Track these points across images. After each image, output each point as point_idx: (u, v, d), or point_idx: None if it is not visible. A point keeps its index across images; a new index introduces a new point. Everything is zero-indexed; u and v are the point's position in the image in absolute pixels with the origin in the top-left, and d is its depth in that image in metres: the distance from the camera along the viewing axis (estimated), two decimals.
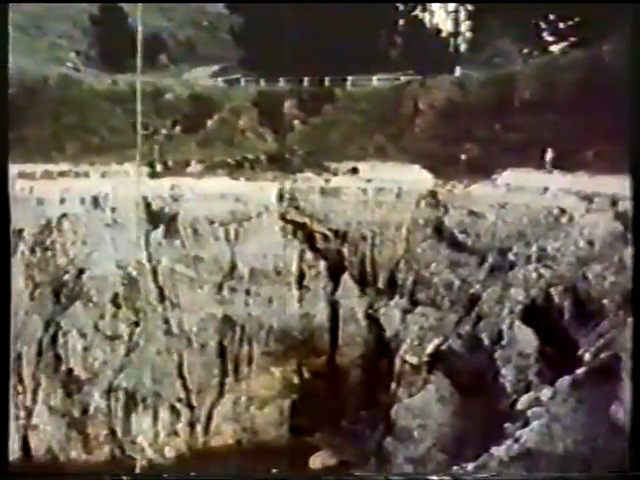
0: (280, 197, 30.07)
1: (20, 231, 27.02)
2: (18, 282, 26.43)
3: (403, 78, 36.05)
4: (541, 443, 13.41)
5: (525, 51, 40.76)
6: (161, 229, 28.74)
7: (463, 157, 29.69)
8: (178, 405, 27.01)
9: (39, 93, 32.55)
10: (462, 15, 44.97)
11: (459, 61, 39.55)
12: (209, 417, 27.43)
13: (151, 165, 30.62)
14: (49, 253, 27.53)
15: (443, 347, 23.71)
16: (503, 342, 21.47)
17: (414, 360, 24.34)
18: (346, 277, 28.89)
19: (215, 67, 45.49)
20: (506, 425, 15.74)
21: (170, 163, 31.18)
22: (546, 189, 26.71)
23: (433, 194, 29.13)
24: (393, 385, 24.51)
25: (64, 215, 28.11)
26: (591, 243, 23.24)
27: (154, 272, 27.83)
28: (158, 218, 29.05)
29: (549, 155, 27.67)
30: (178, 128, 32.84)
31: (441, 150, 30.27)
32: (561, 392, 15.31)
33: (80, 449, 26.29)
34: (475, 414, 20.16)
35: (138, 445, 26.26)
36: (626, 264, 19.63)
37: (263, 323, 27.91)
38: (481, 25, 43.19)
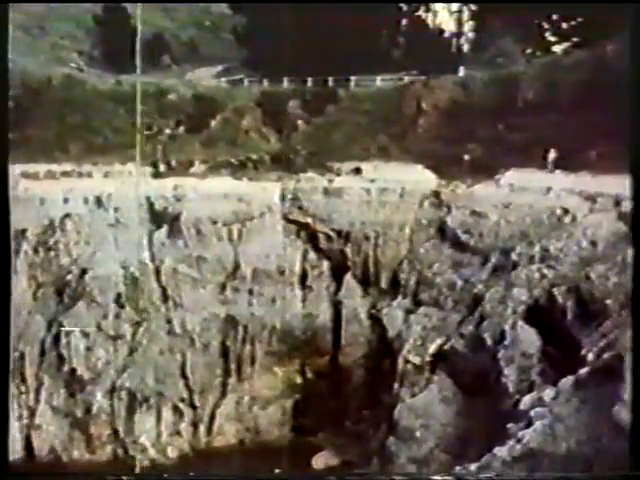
0: (283, 197, 30.02)
1: (23, 231, 27.03)
2: (21, 282, 26.51)
3: (406, 78, 35.99)
4: (544, 443, 13.40)
5: (528, 51, 40.65)
6: (164, 229, 28.74)
7: (466, 157, 29.64)
8: (181, 405, 27.04)
9: (42, 93, 32.45)
10: (465, 15, 44.84)
11: (462, 61, 39.43)
12: (212, 417, 27.46)
13: (154, 165, 30.60)
14: (52, 253, 27.54)
15: (446, 347, 23.75)
16: (506, 342, 21.51)
17: (417, 360, 24.37)
18: (349, 277, 28.91)
19: (218, 67, 45.52)
20: (509, 425, 15.76)
21: (173, 163, 31.15)
22: (549, 189, 26.69)
23: (436, 194, 29.12)
24: (396, 385, 24.54)
25: (67, 215, 28.10)
26: (594, 243, 23.24)
27: (157, 272, 27.85)
28: (161, 218, 29.05)
29: (552, 155, 27.65)
30: (181, 128, 32.77)
31: (444, 150, 30.21)
32: (564, 392, 15.28)
33: (83, 449, 26.35)
34: (478, 414, 20.18)
35: (141, 445, 26.31)
36: (629, 264, 19.60)
37: (266, 323, 27.93)
38: (484, 25, 43.09)
